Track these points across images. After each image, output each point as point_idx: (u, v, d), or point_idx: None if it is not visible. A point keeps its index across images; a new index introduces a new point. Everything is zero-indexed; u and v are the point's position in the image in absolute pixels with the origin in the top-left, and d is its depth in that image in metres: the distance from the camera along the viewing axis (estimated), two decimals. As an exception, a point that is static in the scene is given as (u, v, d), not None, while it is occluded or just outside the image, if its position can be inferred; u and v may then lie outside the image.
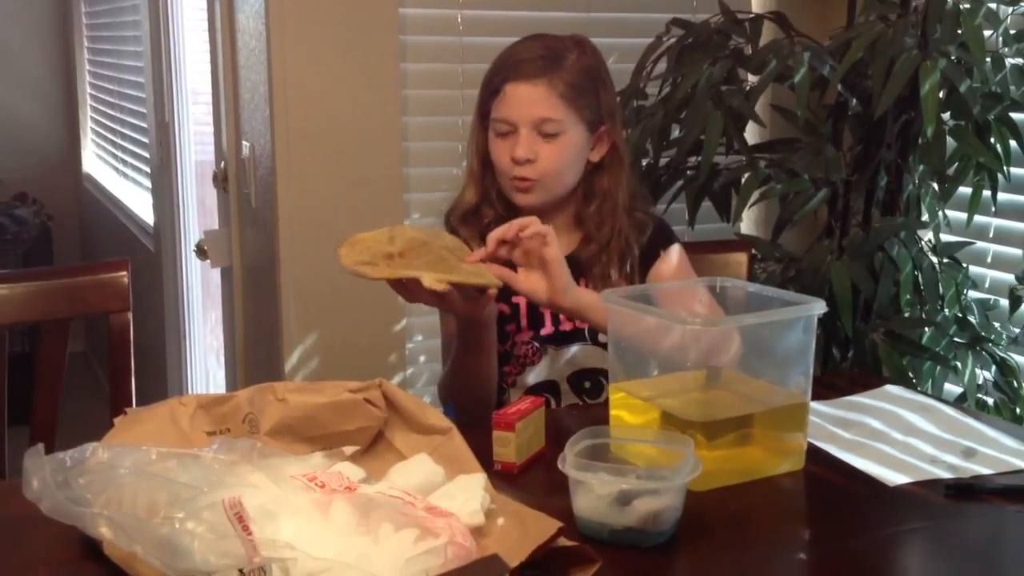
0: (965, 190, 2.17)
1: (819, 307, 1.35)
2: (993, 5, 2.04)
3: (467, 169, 1.77)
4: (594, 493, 1.14)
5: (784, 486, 1.34)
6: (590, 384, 1.68)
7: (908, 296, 2.12)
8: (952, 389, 2.21)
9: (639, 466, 1.22)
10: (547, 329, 1.70)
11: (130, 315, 1.76)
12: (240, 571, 0.94)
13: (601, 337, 1.65)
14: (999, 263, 2.24)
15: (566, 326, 1.70)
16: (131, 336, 1.76)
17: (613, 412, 1.42)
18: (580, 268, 1.68)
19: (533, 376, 1.69)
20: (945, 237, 2.26)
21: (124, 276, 1.77)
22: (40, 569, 1.10)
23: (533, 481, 1.32)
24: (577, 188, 1.71)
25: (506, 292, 1.66)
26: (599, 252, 1.69)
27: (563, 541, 1.05)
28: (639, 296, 1.43)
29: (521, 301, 1.69)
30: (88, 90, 5.15)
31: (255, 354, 2.53)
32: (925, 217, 2.24)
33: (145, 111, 3.74)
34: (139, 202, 4.14)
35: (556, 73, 1.65)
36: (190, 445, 1.17)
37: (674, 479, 1.15)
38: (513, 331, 1.70)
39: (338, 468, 1.14)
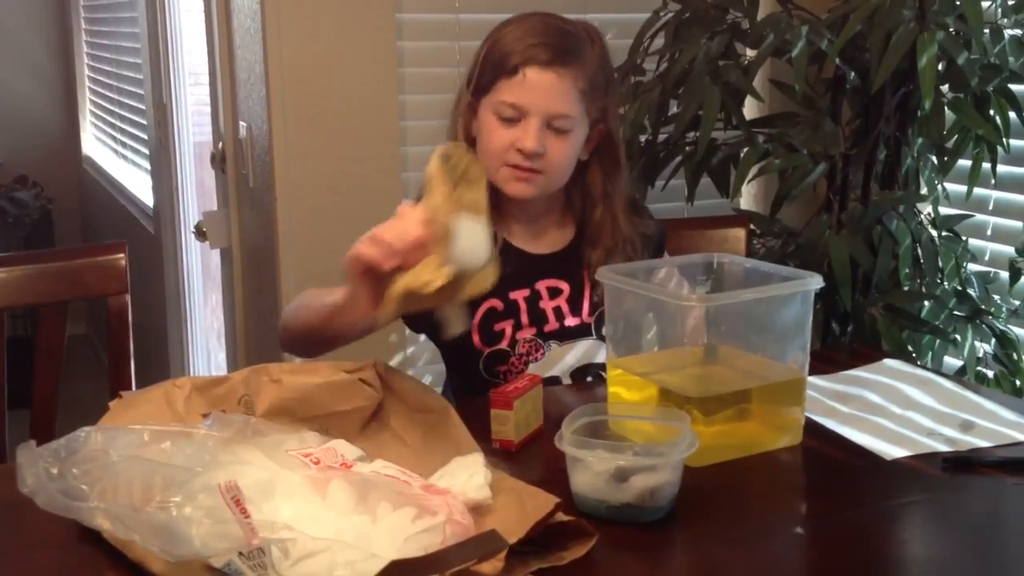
0: (964, 162, 2.16)
1: (816, 282, 1.35)
2: (991, -24, 2.03)
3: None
4: (591, 470, 1.15)
5: (782, 461, 1.34)
6: (592, 378, 1.67)
7: (907, 270, 2.12)
8: (952, 362, 2.21)
9: (637, 442, 1.22)
10: (551, 326, 1.66)
11: (128, 297, 1.76)
12: (240, 553, 0.95)
13: (605, 331, 1.59)
14: (999, 235, 2.24)
15: (571, 322, 1.67)
16: (130, 318, 1.76)
17: (611, 389, 1.42)
18: (578, 264, 1.66)
19: (535, 372, 1.66)
20: (944, 210, 2.26)
21: (122, 258, 1.77)
22: (41, 552, 1.11)
23: (531, 459, 1.32)
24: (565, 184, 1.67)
25: (501, 288, 1.64)
26: (605, 258, 1.65)
27: (560, 516, 1.06)
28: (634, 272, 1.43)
29: (519, 297, 1.65)
30: (87, 72, 5.14)
31: (256, 335, 2.53)
32: (924, 190, 2.24)
33: (143, 93, 3.73)
34: (138, 184, 4.14)
35: (579, 66, 1.57)
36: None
37: (671, 455, 1.15)
38: (511, 328, 1.65)
39: (332, 445, 1.14)
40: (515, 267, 1.64)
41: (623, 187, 1.71)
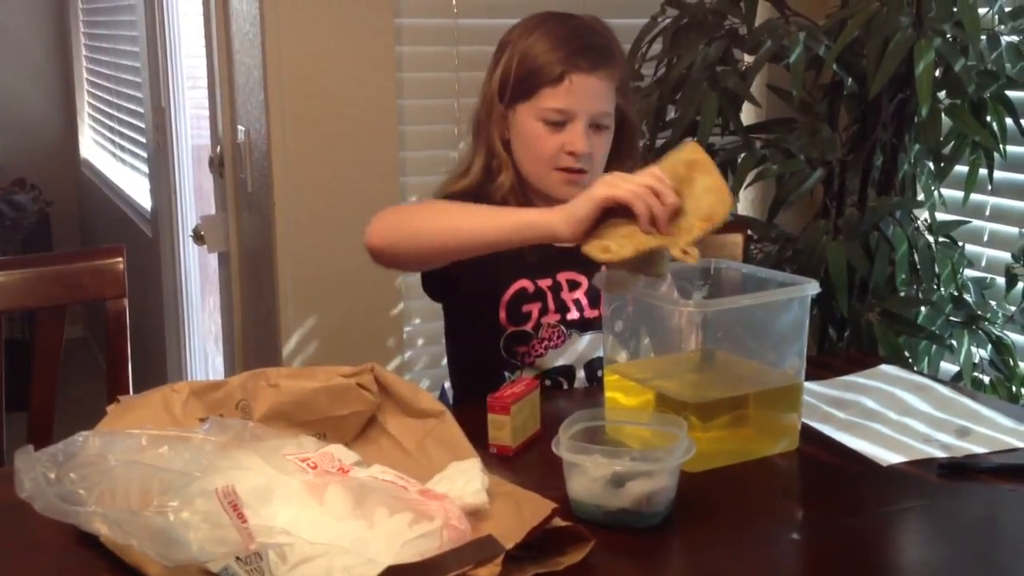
0: (961, 168, 2.16)
1: (812, 288, 1.36)
2: (988, -17, 2.04)
3: (489, 153, 1.69)
4: (588, 475, 1.15)
5: (778, 467, 1.35)
6: (603, 372, 1.68)
7: (904, 275, 2.13)
8: (948, 368, 2.21)
9: (634, 448, 1.23)
10: (573, 315, 1.68)
11: (126, 301, 1.76)
12: (237, 558, 0.95)
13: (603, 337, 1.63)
14: (995, 241, 2.25)
15: (591, 313, 1.69)
16: (127, 322, 1.76)
17: (608, 394, 1.43)
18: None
19: (553, 359, 1.68)
20: (941, 216, 2.26)
21: (120, 262, 1.77)
22: (39, 555, 1.11)
23: (529, 464, 1.33)
24: None
25: (530, 273, 1.66)
26: None
27: (557, 522, 1.06)
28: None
29: (544, 285, 1.68)
30: (85, 75, 5.14)
31: (253, 339, 2.53)
32: (921, 196, 2.24)
33: (142, 96, 3.73)
34: (137, 187, 4.14)
35: (614, 64, 1.64)
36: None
37: (668, 461, 1.15)
38: (538, 312, 1.68)
39: (329, 449, 1.14)
40: (539, 256, 1.65)
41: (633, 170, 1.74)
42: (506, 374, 1.67)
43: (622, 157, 1.72)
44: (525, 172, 1.68)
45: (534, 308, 1.68)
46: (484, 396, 1.37)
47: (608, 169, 1.70)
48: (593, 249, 1.32)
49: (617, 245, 1.30)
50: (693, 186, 1.32)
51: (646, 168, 1.35)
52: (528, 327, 1.68)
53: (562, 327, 1.68)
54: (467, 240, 1.48)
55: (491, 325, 1.67)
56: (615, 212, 1.33)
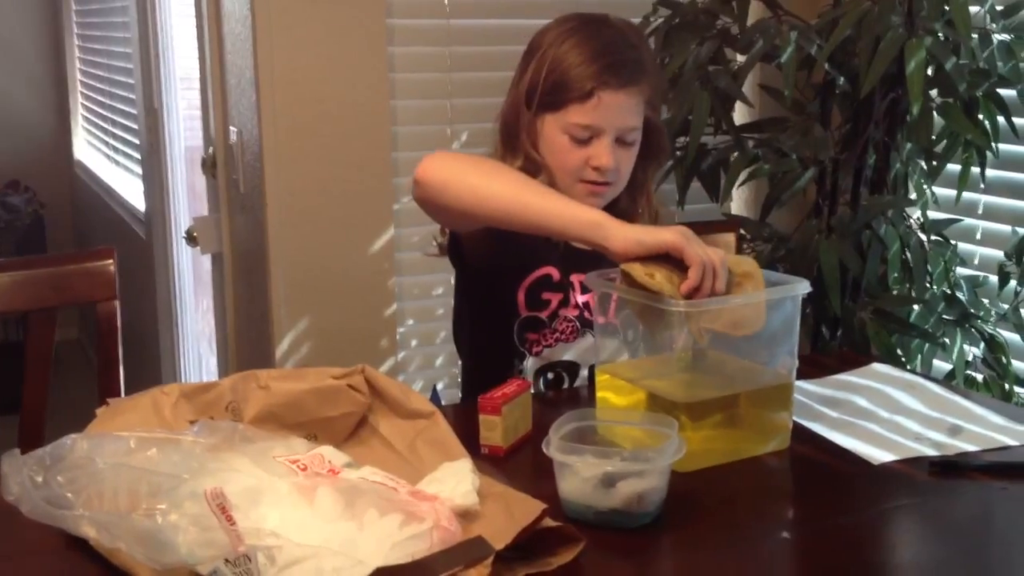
0: (954, 167, 2.17)
1: (803, 287, 1.36)
2: (979, -19, 2.04)
3: (525, 157, 1.66)
4: (579, 476, 1.15)
5: (770, 466, 1.35)
6: None
7: (896, 274, 2.13)
8: (941, 366, 2.22)
9: (625, 448, 1.22)
10: (586, 314, 1.68)
11: (117, 303, 1.76)
12: (226, 561, 0.95)
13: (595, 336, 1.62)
14: (988, 239, 2.25)
15: (599, 319, 1.69)
16: (119, 324, 1.76)
17: (599, 394, 1.43)
18: (611, 265, 1.69)
19: (561, 353, 1.67)
20: (933, 214, 2.27)
21: (111, 264, 1.76)
22: (27, 559, 1.10)
23: (520, 464, 1.32)
24: None
25: (566, 263, 1.65)
26: None
27: (548, 522, 1.06)
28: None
29: (575, 280, 1.67)
30: (79, 77, 5.14)
31: (247, 340, 2.53)
32: (913, 195, 2.25)
33: (135, 97, 3.73)
34: (130, 189, 4.14)
35: (645, 78, 1.62)
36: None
37: (658, 461, 1.15)
38: (557, 303, 1.67)
39: (319, 451, 1.14)
40: (565, 249, 1.65)
41: (654, 175, 1.76)
42: (515, 362, 1.67)
43: (650, 158, 1.72)
44: (552, 179, 1.66)
45: (555, 298, 1.67)
46: (489, 381, 1.37)
47: (635, 170, 1.70)
48: (637, 270, 1.34)
49: (660, 279, 1.33)
50: (740, 292, 1.36)
51: (717, 248, 1.36)
52: (543, 315, 1.67)
53: (577, 323, 1.68)
54: (530, 216, 1.44)
55: (509, 307, 1.66)
56: (667, 258, 1.35)
